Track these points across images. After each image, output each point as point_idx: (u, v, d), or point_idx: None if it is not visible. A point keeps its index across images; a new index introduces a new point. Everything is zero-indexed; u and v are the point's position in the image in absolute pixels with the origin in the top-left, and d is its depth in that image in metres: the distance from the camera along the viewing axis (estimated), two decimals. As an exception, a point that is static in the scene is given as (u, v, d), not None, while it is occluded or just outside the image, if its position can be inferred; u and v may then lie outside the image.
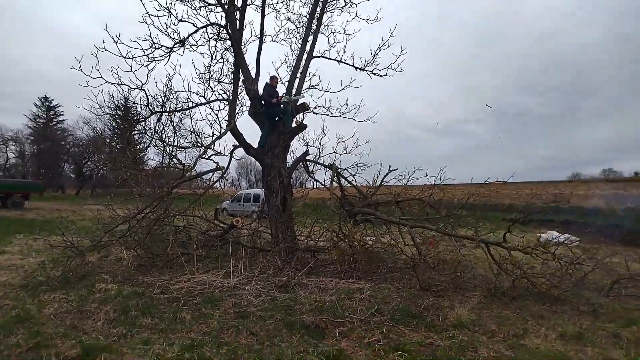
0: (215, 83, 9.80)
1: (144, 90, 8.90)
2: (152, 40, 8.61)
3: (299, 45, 10.23)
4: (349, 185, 9.77)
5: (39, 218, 19.91)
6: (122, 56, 8.30)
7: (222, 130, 9.07)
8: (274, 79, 9.36)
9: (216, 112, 9.47)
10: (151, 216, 8.60)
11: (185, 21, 8.84)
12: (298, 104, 9.50)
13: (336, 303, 5.79)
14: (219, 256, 8.59)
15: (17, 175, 50.54)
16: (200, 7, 9.09)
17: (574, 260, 6.86)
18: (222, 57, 9.90)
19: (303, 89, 9.96)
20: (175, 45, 8.97)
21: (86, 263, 8.01)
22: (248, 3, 9.36)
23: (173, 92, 9.54)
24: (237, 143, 9.30)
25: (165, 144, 9.73)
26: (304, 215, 10.64)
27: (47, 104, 58.13)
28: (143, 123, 10.32)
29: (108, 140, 40.61)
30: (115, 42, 8.06)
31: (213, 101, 9.54)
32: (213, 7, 9.21)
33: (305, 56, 10.08)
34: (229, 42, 9.53)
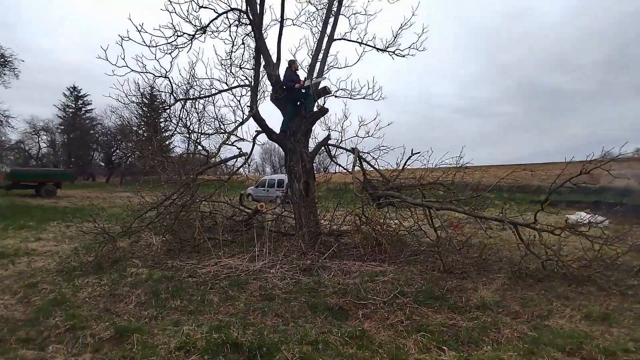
0: (237, 69, 9.84)
1: (168, 78, 9.05)
2: (175, 28, 8.68)
3: (320, 28, 10.14)
4: (372, 169, 9.74)
5: (71, 206, 20.57)
6: (146, 45, 8.43)
7: (245, 117, 9.16)
8: (293, 63, 9.31)
9: (238, 98, 9.56)
10: (178, 202, 8.79)
11: (206, 7, 8.88)
12: (319, 87, 9.47)
13: (359, 285, 5.85)
14: (244, 241, 8.76)
15: (49, 165, 52.05)
16: (220, -8, 9.11)
17: (606, 241, 6.72)
18: (243, 43, 9.91)
19: (324, 71, 9.93)
20: (197, 32, 9.03)
21: (117, 248, 8.27)
22: (268, -13, 9.34)
23: (196, 79, 9.68)
24: (259, 129, 9.37)
25: (189, 131, 9.90)
26: (327, 200, 10.67)
27: (76, 93, 59.34)
28: (168, 111, 10.52)
29: (135, 128, 41.42)
30: (139, 31, 8.19)
31: (235, 87, 9.62)
32: (233, -9, 9.20)
33: (326, 39, 10.01)
34: (249, 27, 9.53)
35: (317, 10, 10.58)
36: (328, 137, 9.69)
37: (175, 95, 9.45)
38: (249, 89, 9.57)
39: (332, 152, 10.18)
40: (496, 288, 5.99)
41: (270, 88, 9.67)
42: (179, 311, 5.11)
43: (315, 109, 9.38)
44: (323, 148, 9.95)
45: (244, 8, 9.22)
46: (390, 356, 3.82)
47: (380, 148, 9.59)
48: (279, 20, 9.61)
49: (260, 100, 9.75)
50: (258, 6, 9.21)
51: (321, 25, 10.15)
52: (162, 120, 18.96)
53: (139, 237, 9.68)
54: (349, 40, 10.32)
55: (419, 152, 9.36)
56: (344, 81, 10.98)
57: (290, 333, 4.29)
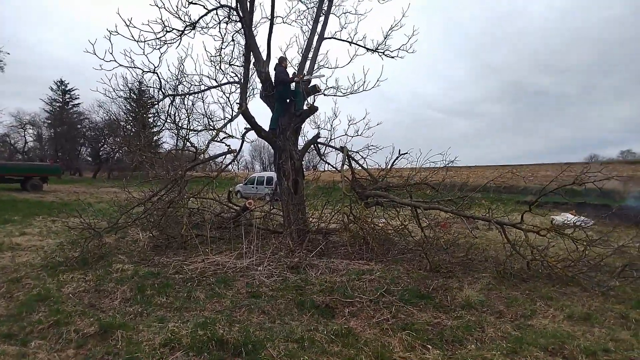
0: (227, 66, 9.79)
1: (156, 73, 8.97)
2: (164, 23, 8.60)
3: (310, 27, 10.15)
4: (360, 168, 9.77)
5: (57, 200, 20.31)
6: (135, 40, 8.35)
7: (234, 113, 9.14)
8: (283, 60, 9.29)
9: (228, 95, 9.53)
10: (166, 198, 8.73)
11: (195, 3, 8.83)
12: (310, 85, 9.48)
13: (346, 284, 5.88)
14: (232, 238, 8.73)
15: (35, 159, 51.47)
16: (210, -11, 9.06)
17: (590, 242, 6.83)
18: (232, 40, 9.87)
19: (313, 70, 9.94)
20: (187, 28, 8.98)
21: (103, 244, 8.21)
22: (259, -16, 9.31)
23: (185, 75, 9.61)
24: (248, 126, 9.34)
25: (178, 127, 9.83)
26: (316, 198, 10.69)
27: (63, 87, 58.86)
28: (156, 106, 10.44)
29: (123, 123, 41.04)
30: (127, 26, 8.12)
31: (224, 84, 9.58)
32: (223, -11, 9.16)
33: (316, 37, 10.02)
34: (239, 25, 9.48)
35: (308, 8, 10.59)
36: (317, 136, 9.70)
37: (164, 90, 9.39)
38: (238, 86, 9.54)
39: (322, 151, 10.19)
40: (481, 287, 6.06)
41: (259, 85, 9.65)
42: (165, 308, 5.09)
43: (304, 107, 9.37)
44: (312, 146, 9.95)
45: (234, 5, 9.18)
46: (376, 354, 3.85)
47: (369, 147, 9.62)
48: (269, 17, 9.59)
49: (250, 97, 9.73)
50: (248, 3, 9.17)
51: (311, 23, 10.15)
52: (150, 115, 18.83)
53: (126, 233, 9.62)
54: (340, 40, 10.34)
55: (406, 153, 9.47)
56: (331, 78, 10.98)
57: (276, 330, 4.31)
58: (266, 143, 12.13)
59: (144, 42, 8.49)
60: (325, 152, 10.22)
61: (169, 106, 9.65)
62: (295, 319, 4.77)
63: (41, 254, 8.04)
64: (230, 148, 9.19)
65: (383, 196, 8.72)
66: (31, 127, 58.10)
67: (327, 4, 10.12)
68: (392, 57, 10.13)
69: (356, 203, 8.32)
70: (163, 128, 11.66)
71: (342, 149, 9.43)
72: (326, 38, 10.18)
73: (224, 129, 8.97)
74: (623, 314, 5.06)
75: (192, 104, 10.34)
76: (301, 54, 10.02)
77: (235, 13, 9.28)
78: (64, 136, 55.92)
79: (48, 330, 4.29)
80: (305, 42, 10.06)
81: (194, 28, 9.06)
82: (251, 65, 9.49)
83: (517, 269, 6.94)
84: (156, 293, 5.55)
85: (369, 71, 9.46)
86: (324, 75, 9.79)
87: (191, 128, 9.70)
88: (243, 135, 9.43)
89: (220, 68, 9.64)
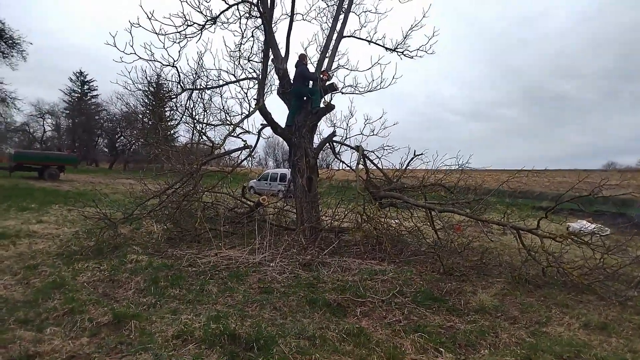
0: (245, 61, 9.86)
1: (175, 67, 9.03)
2: (185, 17, 8.68)
3: (330, 24, 10.13)
4: (375, 167, 9.72)
5: (73, 190, 20.59)
6: (156, 33, 8.40)
7: (251, 109, 9.16)
8: (304, 57, 9.31)
9: (245, 90, 9.58)
10: (181, 191, 8.79)
11: (217, -2, 8.88)
12: (327, 83, 9.46)
13: (358, 283, 5.85)
14: (245, 233, 8.77)
15: (52, 148, 52.15)
16: (232, -17, 9.10)
17: (607, 250, 6.69)
18: (252, 36, 9.94)
19: (332, 68, 9.91)
20: (207, 23, 9.03)
21: (118, 235, 8.29)
22: (280, -20, 9.32)
23: (204, 69, 9.66)
24: (265, 122, 9.36)
25: (195, 121, 9.88)
26: (329, 196, 10.66)
27: (82, 78, 59.46)
28: (174, 100, 10.51)
29: (140, 116, 41.41)
30: (149, 19, 8.16)
31: (243, 80, 9.63)
32: (245, -17, 9.19)
33: (335, 35, 9.99)
34: (259, 20, 9.54)
35: (328, 6, 10.58)
36: (333, 134, 9.66)
37: (182, 84, 9.44)
38: (256, 81, 9.56)
39: (337, 149, 10.15)
40: (495, 292, 5.99)
41: (277, 82, 9.66)
42: (178, 300, 5.12)
43: (321, 105, 9.36)
44: (328, 144, 9.92)
45: (255, 1, 9.20)
46: (387, 355, 3.82)
47: (385, 147, 9.55)
48: (289, 14, 9.60)
49: (267, 93, 9.77)
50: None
51: (331, 21, 10.13)
52: (167, 109, 18.95)
53: (141, 224, 9.70)
54: (359, 38, 10.30)
55: (421, 154, 9.38)
56: (347, 76, 10.95)
57: (288, 327, 4.30)
58: (280, 140, 12.17)
59: (165, 35, 8.55)
60: (340, 150, 10.18)
61: (187, 100, 9.71)
62: (307, 316, 4.76)
63: (57, 242, 8.17)
64: (246, 143, 9.22)
65: (397, 197, 8.66)
66: (50, 117, 58.94)
67: (347, 2, 10.08)
68: (411, 57, 10.07)
69: (370, 203, 8.27)
70: (180, 122, 11.74)
71: (357, 148, 9.38)
72: (345, 36, 10.15)
73: (240, 124, 8.99)
74: (641, 325, 4.95)
75: (210, 99, 10.39)
76: (320, 52, 9.99)
77: (256, 9, 9.31)
78: (81, 127, 56.62)
79: (63, 318, 4.35)
80: (325, 40, 10.04)
81: (214, 23, 9.10)
82: (270, 62, 9.50)
83: (532, 275, 6.84)
84: (169, 285, 5.59)
85: (385, 68, 9.42)
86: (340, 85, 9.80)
87: (208, 122, 9.74)
88: (259, 131, 9.47)
89: (239, 63, 9.70)
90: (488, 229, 8.09)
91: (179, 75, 9.21)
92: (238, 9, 9.41)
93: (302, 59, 9.24)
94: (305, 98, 9.23)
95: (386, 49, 10.16)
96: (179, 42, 8.84)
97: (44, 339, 3.83)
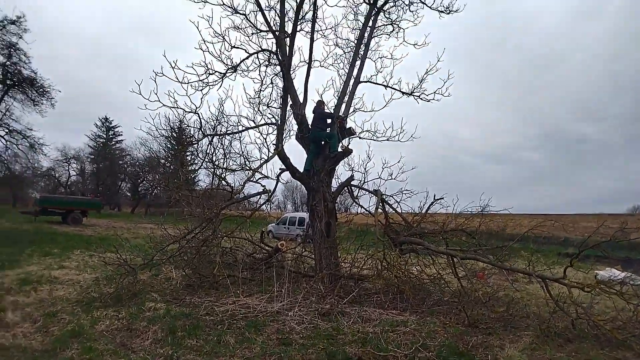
0: (265, 107, 10.11)
1: (197, 113, 9.24)
2: (207, 66, 9.00)
3: (346, 70, 10.33)
4: (394, 212, 9.61)
5: (95, 235, 20.86)
6: (179, 81, 8.68)
7: (270, 154, 9.27)
8: (322, 103, 9.50)
9: (264, 135, 9.71)
10: (200, 237, 8.81)
11: (238, 47, 9.26)
12: (345, 128, 9.57)
13: (379, 335, 5.64)
14: (264, 279, 8.66)
15: (77, 193, 53.35)
16: (252, 34, 9.51)
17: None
18: (271, 82, 10.25)
19: (349, 112, 10.05)
20: (228, 71, 9.37)
21: (137, 281, 8.29)
22: (298, 30, 9.69)
23: (224, 115, 9.90)
24: (283, 167, 9.45)
25: (215, 166, 10.02)
26: (348, 241, 10.53)
27: (107, 124, 61.61)
28: (195, 145, 10.72)
29: (162, 161, 42.31)
30: (172, 68, 8.46)
31: (262, 125, 9.80)
32: (264, 33, 9.58)
33: (352, 81, 10.17)
34: (278, 68, 9.84)
35: (345, 53, 10.84)
36: (351, 178, 9.65)
37: (203, 130, 9.64)
38: (275, 127, 9.73)
39: (355, 193, 10.11)
40: (524, 347, 5.66)
41: (295, 127, 9.81)
42: (195, 351, 5.01)
43: (339, 149, 9.42)
44: (346, 188, 9.90)
45: (274, 49, 9.52)
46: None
47: (404, 192, 9.47)
48: (307, 61, 9.88)
49: (286, 138, 9.89)
50: (288, 48, 9.50)
51: (348, 67, 10.34)
52: (189, 154, 19.33)
53: (160, 270, 9.69)
54: (375, 83, 10.45)
55: (441, 198, 9.21)
56: (368, 122, 11.07)
57: (307, 382, 4.15)
58: (299, 183, 12.21)
59: (187, 83, 8.83)
60: (359, 194, 10.13)
61: (208, 145, 9.89)
62: (327, 370, 4.59)
63: (77, 288, 8.20)
64: (265, 188, 9.28)
65: (418, 243, 8.49)
66: (75, 162, 60.63)
67: (363, 49, 10.32)
68: (428, 101, 10.14)
69: (390, 249, 8.11)
70: (201, 167, 11.92)
71: (375, 192, 9.32)
72: (362, 82, 10.32)
73: (259, 169, 9.09)
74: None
75: (230, 144, 10.57)
76: (337, 97, 10.17)
77: (275, 57, 9.61)
78: (105, 171, 58.08)
79: (80, 369, 4.29)
80: (342, 86, 10.23)
81: (235, 71, 9.42)
82: (288, 107, 9.71)
83: (562, 327, 6.45)
84: (187, 335, 5.50)
85: (404, 120, 9.52)
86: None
87: (227, 167, 9.87)
88: (278, 176, 9.54)
89: (258, 109, 9.94)
90: (513, 277, 7.79)
91: (201, 122, 9.42)
92: (258, 58, 9.76)
93: (320, 105, 9.41)
94: (323, 142, 9.33)
95: (402, 92, 10.25)
96: (201, 90, 9.11)
97: (59, 393, 3.77)
